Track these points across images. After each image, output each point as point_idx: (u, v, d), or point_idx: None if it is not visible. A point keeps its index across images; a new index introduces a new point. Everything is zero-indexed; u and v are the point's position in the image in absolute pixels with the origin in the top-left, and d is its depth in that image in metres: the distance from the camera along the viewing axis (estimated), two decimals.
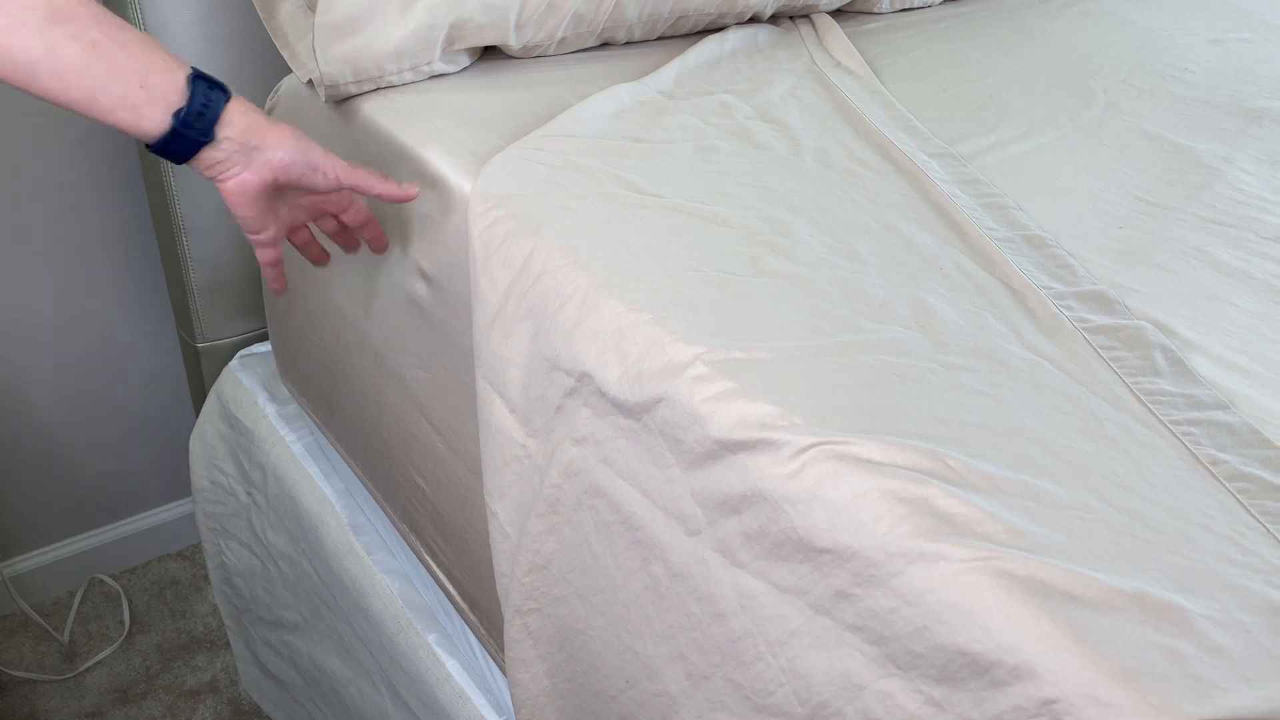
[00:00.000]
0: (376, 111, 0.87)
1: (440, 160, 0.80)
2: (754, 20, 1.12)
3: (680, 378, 0.56)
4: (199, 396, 1.28)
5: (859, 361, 0.56)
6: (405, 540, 0.92)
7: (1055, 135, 0.89)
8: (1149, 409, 0.55)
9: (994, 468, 0.50)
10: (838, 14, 1.20)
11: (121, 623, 1.37)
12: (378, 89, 0.90)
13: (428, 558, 0.88)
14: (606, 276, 0.63)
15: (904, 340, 0.58)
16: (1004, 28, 1.15)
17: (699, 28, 1.09)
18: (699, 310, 0.60)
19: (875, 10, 1.19)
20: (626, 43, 1.06)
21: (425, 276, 0.81)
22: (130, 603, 1.39)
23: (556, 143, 0.80)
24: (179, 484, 1.45)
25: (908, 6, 1.21)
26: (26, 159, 1.17)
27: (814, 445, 0.50)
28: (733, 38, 1.06)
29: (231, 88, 1.10)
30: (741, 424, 0.52)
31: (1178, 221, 0.75)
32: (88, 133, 1.19)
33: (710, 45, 1.04)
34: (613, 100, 0.88)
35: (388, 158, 0.85)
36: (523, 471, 0.68)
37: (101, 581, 1.42)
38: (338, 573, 0.98)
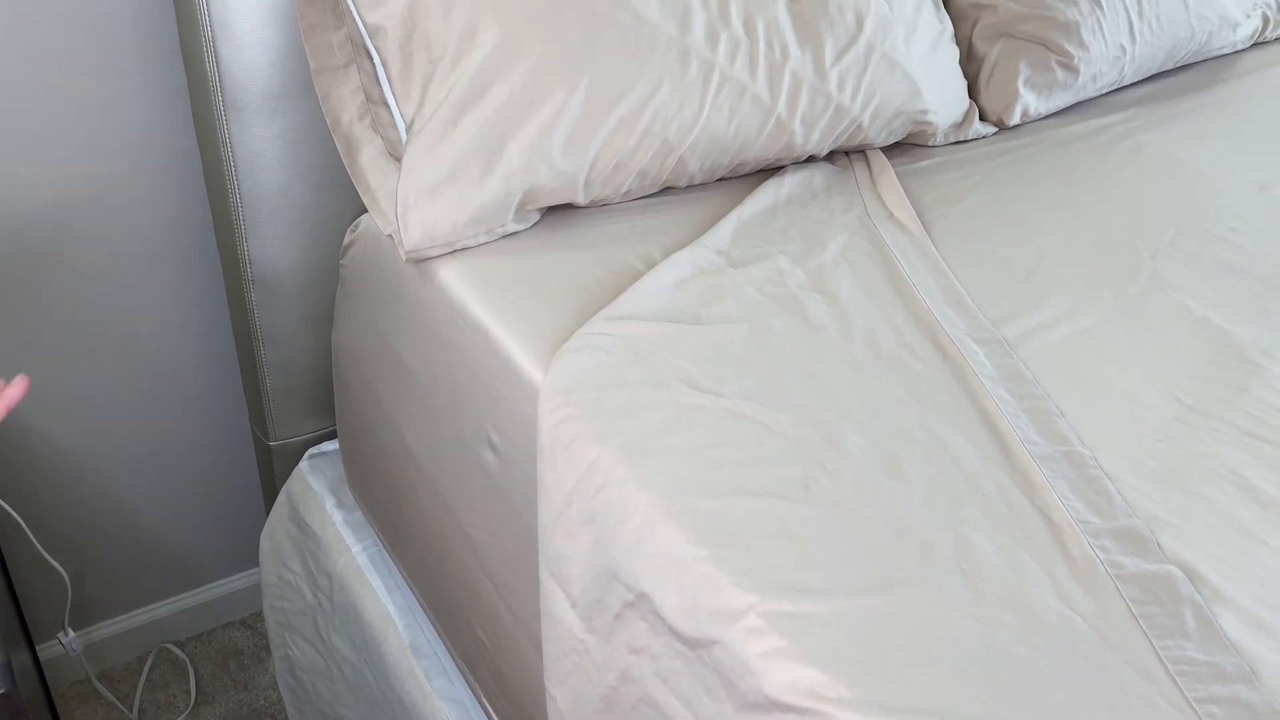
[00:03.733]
0: (453, 279, 0.92)
1: (511, 342, 0.85)
2: (811, 158, 1.16)
3: (735, 626, 0.61)
4: (269, 487, 1.34)
5: (904, 615, 0.60)
6: (464, 679, 0.98)
7: (1100, 314, 0.92)
8: (1175, 682, 0.58)
9: None
10: (893, 147, 1.23)
11: (188, 692, 1.44)
12: (453, 251, 0.96)
13: (486, 703, 0.94)
14: (665, 501, 0.68)
15: (945, 590, 0.63)
16: (1055, 169, 1.18)
17: (757, 169, 1.13)
18: (753, 548, 0.65)
19: (930, 144, 1.23)
20: (687, 186, 1.10)
21: (494, 448, 0.86)
22: (196, 672, 1.47)
23: (620, 326, 0.84)
24: (244, 556, 1.52)
25: (961, 140, 1.24)
26: (127, 268, 1.24)
27: None
28: (789, 183, 1.10)
29: (314, 220, 1.16)
30: (792, 688, 0.57)
31: (1215, 434, 0.78)
32: (176, 257, 1.26)
33: (767, 193, 1.08)
34: (673, 270, 0.93)
35: (463, 326, 0.90)
36: (581, 664, 0.73)
37: (169, 650, 1.49)
38: (398, 691, 1.04)
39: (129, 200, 1.22)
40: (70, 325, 1.25)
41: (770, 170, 1.14)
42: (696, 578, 0.64)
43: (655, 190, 1.08)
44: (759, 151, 1.08)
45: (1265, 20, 1.55)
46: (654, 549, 0.67)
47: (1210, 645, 0.61)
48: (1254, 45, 1.58)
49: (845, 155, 1.19)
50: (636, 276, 0.94)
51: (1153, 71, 1.43)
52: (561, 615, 0.74)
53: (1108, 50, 1.31)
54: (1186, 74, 1.49)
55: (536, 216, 1.01)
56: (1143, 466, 0.75)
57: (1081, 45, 1.28)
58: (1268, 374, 0.85)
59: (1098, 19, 1.29)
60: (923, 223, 1.06)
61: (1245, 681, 0.59)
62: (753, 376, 0.80)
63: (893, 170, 1.14)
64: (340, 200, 1.16)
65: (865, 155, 1.18)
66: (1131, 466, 0.75)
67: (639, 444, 0.73)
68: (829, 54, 1.07)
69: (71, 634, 1.32)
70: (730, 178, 1.13)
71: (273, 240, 1.15)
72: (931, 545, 0.66)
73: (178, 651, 1.49)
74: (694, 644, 0.63)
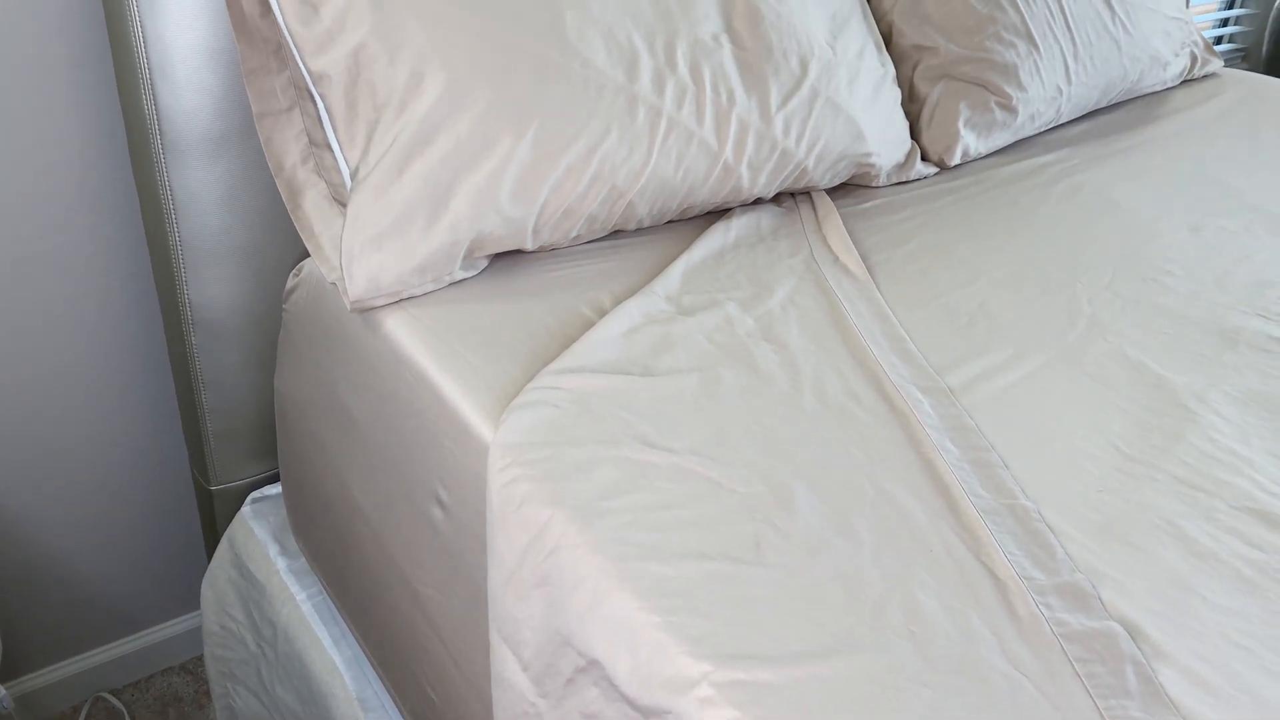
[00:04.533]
0: (399, 329, 0.91)
1: (460, 397, 0.84)
2: (758, 200, 1.17)
3: (688, 696, 0.61)
4: (210, 530, 1.32)
5: (855, 682, 0.61)
6: None
7: (1041, 361, 0.94)
8: None
9: None
10: (838, 188, 1.25)
11: None
12: (399, 300, 0.95)
13: None
14: (617, 565, 0.68)
15: (896, 654, 0.63)
16: (996, 210, 1.21)
17: (705, 212, 1.13)
18: (705, 614, 0.65)
19: (873, 185, 1.24)
20: (636, 229, 1.10)
21: (442, 505, 0.85)
22: None
23: (570, 379, 0.84)
24: (182, 600, 1.49)
25: (904, 180, 1.26)
26: (62, 311, 1.21)
27: None
28: (736, 226, 1.11)
29: (256, 263, 1.14)
30: None
31: (1153, 483, 0.80)
32: (113, 299, 1.23)
33: (715, 237, 1.09)
34: (623, 319, 0.93)
35: (410, 379, 0.89)
36: None
37: (105, 699, 1.45)
38: None
39: (64, 242, 1.19)
40: (1, 368, 1.22)
41: (718, 213, 1.15)
42: (648, 645, 0.64)
43: (604, 234, 1.08)
44: (707, 195, 1.09)
45: (1193, 59, 1.60)
46: (606, 615, 0.66)
47: (1151, 704, 0.62)
48: (1182, 83, 1.63)
49: (791, 197, 1.20)
50: (586, 324, 0.94)
51: (1087, 110, 1.46)
52: (513, 678, 0.74)
53: (1045, 91, 1.34)
54: (1120, 111, 1.53)
55: (484, 263, 1.00)
56: (1084, 519, 0.76)
57: (1019, 86, 1.31)
58: (1202, 421, 0.87)
59: (1035, 61, 1.32)
60: (867, 266, 1.08)
61: None
62: (703, 431, 0.81)
63: (837, 213, 1.16)
64: (282, 242, 1.14)
65: (810, 197, 1.19)
66: (1073, 518, 0.76)
67: (590, 505, 0.72)
68: (774, 99, 1.08)
69: (3, 691, 1.27)
70: (679, 220, 1.13)
71: (213, 283, 1.13)
72: (881, 607, 0.67)
73: (114, 700, 1.45)
74: (647, 712, 0.63)
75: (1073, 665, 0.64)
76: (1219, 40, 2.47)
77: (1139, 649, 0.66)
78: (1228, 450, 0.84)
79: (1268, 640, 0.67)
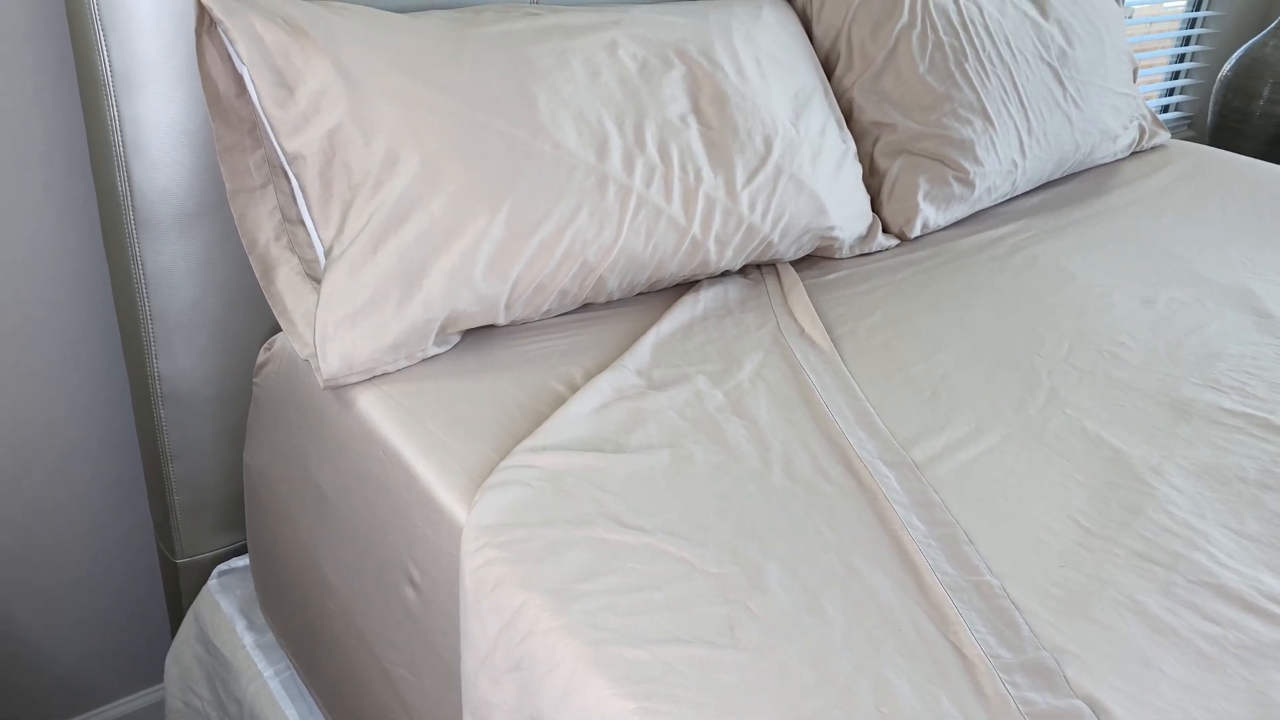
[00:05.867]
0: (371, 407, 0.92)
1: (433, 477, 0.84)
2: (725, 273, 1.20)
3: None
4: (174, 603, 1.30)
5: None
6: None
7: (1002, 435, 0.96)
8: None
9: None
10: (802, 259, 1.27)
11: None
12: (372, 377, 0.95)
13: None
14: (592, 650, 0.68)
15: None
16: (955, 281, 1.24)
17: (674, 284, 1.15)
18: (679, 700, 0.65)
19: (836, 257, 1.27)
20: (606, 302, 1.12)
21: (415, 585, 0.85)
22: None
23: (542, 458, 0.85)
24: (145, 674, 1.46)
25: (866, 252, 1.29)
26: (27, 381, 1.20)
27: None
28: (705, 299, 1.13)
29: (226, 336, 1.14)
30: None
31: (1113, 558, 0.82)
32: (81, 371, 1.23)
33: (684, 310, 1.11)
34: (594, 395, 0.94)
35: (382, 458, 0.89)
36: None
37: None
38: None
39: (32, 315, 1.19)
40: None
41: (686, 284, 1.17)
42: None
43: (575, 308, 1.09)
44: (675, 269, 1.11)
45: (1141, 131, 1.66)
46: (581, 702, 0.67)
47: None
48: (1132, 154, 1.69)
49: (758, 269, 1.23)
50: (558, 400, 0.95)
51: (1042, 181, 1.51)
52: None
53: (1000, 165, 1.39)
54: (1073, 183, 1.58)
55: (457, 338, 1.01)
56: (1047, 594, 0.78)
57: (976, 161, 1.35)
58: (1159, 494, 0.90)
59: (990, 136, 1.37)
60: (832, 338, 1.10)
61: None
62: (675, 509, 0.82)
63: (802, 284, 1.18)
64: (254, 315, 1.15)
65: (776, 269, 1.22)
66: (1037, 594, 0.78)
67: (564, 589, 0.73)
68: (740, 176, 1.11)
69: None
70: (648, 292, 1.15)
71: (184, 356, 1.13)
72: (852, 688, 0.68)
73: None
74: None
75: None
76: (1165, 109, 2.56)
77: None
78: (1184, 524, 0.87)
79: (1226, 716, 0.69)
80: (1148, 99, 2.47)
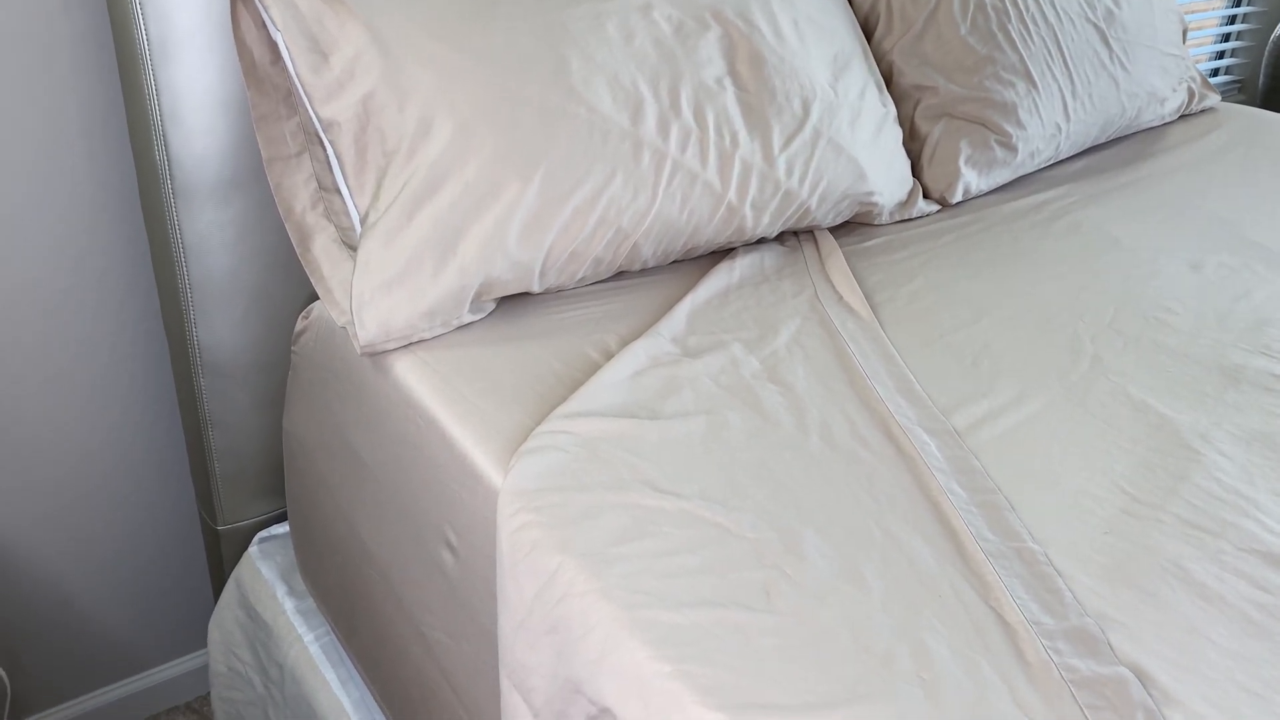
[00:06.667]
0: (408, 374, 0.92)
1: (469, 443, 0.84)
2: (761, 240, 1.18)
3: None
4: (216, 570, 1.32)
5: None
6: None
7: (1045, 401, 0.94)
8: None
9: None
10: (840, 226, 1.26)
11: None
12: (409, 344, 0.95)
13: None
14: (627, 614, 0.68)
15: (906, 702, 0.63)
16: (997, 248, 1.21)
17: (709, 251, 1.14)
18: (716, 663, 0.65)
19: (875, 223, 1.25)
20: (641, 270, 1.11)
21: (452, 549, 0.86)
22: None
23: (578, 424, 0.85)
24: (191, 639, 1.48)
25: (905, 218, 1.27)
26: (70, 353, 1.22)
27: None
28: (741, 266, 1.12)
29: (265, 305, 1.15)
30: None
31: (1159, 526, 0.80)
32: (123, 341, 1.24)
33: (720, 277, 1.10)
34: (629, 362, 0.93)
35: (419, 424, 0.89)
36: None
37: None
38: None
39: (74, 285, 1.20)
40: (7, 410, 1.22)
41: (722, 252, 1.16)
42: (660, 695, 0.64)
43: (609, 275, 1.09)
44: (711, 235, 1.10)
45: (1190, 94, 1.62)
46: (617, 664, 0.67)
47: None
48: (1180, 118, 1.65)
49: (795, 236, 1.21)
50: (592, 367, 0.95)
51: (1086, 146, 1.48)
52: None
53: (1044, 128, 1.36)
54: (1118, 147, 1.54)
55: (492, 306, 1.01)
56: (1091, 561, 0.77)
57: (1019, 124, 1.32)
58: (1206, 461, 0.88)
59: (1034, 99, 1.34)
60: (871, 305, 1.08)
61: None
62: (711, 476, 0.81)
63: (840, 251, 1.17)
64: (292, 283, 1.15)
65: (814, 235, 1.21)
66: (1080, 562, 0.77)
67: (600, 552, 0.73)
68: (777, 141, 1.10)
69: None
70: (683, 260, 1.14)
71: (223, 325, 1.14)
72: (891, 654, 0.67)
73: None
74: None
75: (1084, 712, 0.64)
76: (1215, 72, 2.49)
77: (1149, 695, 0.66)
78: (1232, 490, 0.85)
79: (1276, 684, 0.68)
80: (1197, 61, 2.41)
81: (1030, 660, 0.68)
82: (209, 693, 1.44)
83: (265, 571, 1.19)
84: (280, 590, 1.17)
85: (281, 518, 1.28)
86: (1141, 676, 0.67)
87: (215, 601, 1.29)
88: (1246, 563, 0.77)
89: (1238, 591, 0.75)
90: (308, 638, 1.12)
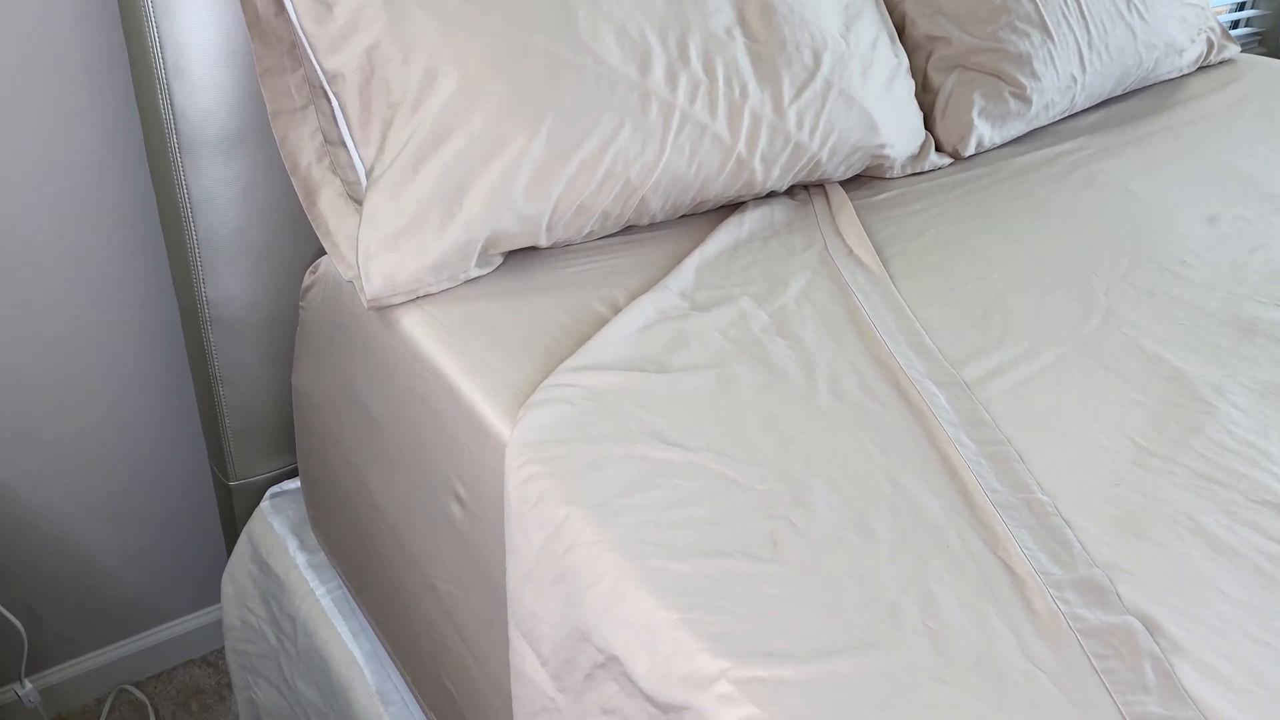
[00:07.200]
0: (416, 328, 0.92)
1: (477, 396, 0.84)
2: (771, 194, 1.17)
3: (706, 693, 0.61)
4: (229, 525, 1.33)
5: (873, 679, 0.61)
6: None
7: (1057, 354, 0.93)
8: None
9: None
10: (851, 179, 1.24)
11: None
12: (416, 298, 0.95)
13: None
14: (635, 563, 0.68)
15: (913, 651, 0.63)
16: (1010, 201, 1.20)
17: (719, 206, 1.13)
18: (723, 612, 0.65)
19: (887, 177, 1.24)
20: (649, 224, 1.10)
21: (461, 501, 0.86)
22: (157, 713, 1.45)
23: (585, 377, 0.84)
24: (205, 593, 1.50)
25: (918, 171, 1.26)
26: (80, 310, 1.22)
27: None
28: (750, 220, 1.11)
29: (272, 260, 1.15)
30: None
31: (1170, 477, 0.80)
32: (132, 298, 1.24)
33: (729, 231, 1.09)
34: (637, 316, 0.93)
35: (427, 377, 0.89)
36: None
37: (128, 691, 1.47)
38: None
39: (80, 242, 1.20)
40: (20, 369, 1.23)
41: (731, 206, 1.15)
42: (667, 643, 0.64)
43: (617, 229, 1.08)
44: (720, 189, 1.09)
45: (1209, 45, 1.59)
46: (624, 613, 0.67)
47: (1169, 699, 0.62)
48: (1199, 70, 1.62)
49: (805, 189, 1.20)
50: (600, 321, 0.94)
51: (1103, 98, 1.46)
52: (532, 674, 0.74)
53: (1059, 80, 1.33)
54: (1135, 100, 1.52)
55: (499, 260, 1.01)
56: (1101, 513, 0.76)
57: (1034, 76, 1.30)
58: (1219, 413, 0.87)
59: (1049, 50, 1.32)
60: (881, 259, 1.08)
61: None
62: (719, 428, 0.81)
63: (851, 205, 1.15)
64: (299, 239, 1.15)
65: (824, 189, 1.19)
66: (1090, 513, 0.76)
67: (608, 503, 0.73)
68: (787, 92, 1.08)
69: (29, 685, 1.29)
70: (691, 214, 1.13)
71: (231, 281, 1.14)
72: (898, 604, 0.67)
73: (137, 692, 1.46)
74: (665, 708, 0.64)
75: (1091, 661, 0.64)
76: (1235, 25, 2.45)
77: (1157, 644, 0.66)
78: (1245, 443, 0.84)
79: None
80: (1217, 13, 2.36)
81: (1038, 610, 0.68)
82: (223, 646, 1.46)
83: (277, 526, 1.20)
84: (292, 545, 1.18)
85: (293, 473, 1.28)
86: (1150, 626, 0.67)
87: (228, 556, 1.30)
88: (1258, 514, 0.77)
89: (1248, 543, 0.74)
90: (319, 591, 1.13)
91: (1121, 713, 0.61)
